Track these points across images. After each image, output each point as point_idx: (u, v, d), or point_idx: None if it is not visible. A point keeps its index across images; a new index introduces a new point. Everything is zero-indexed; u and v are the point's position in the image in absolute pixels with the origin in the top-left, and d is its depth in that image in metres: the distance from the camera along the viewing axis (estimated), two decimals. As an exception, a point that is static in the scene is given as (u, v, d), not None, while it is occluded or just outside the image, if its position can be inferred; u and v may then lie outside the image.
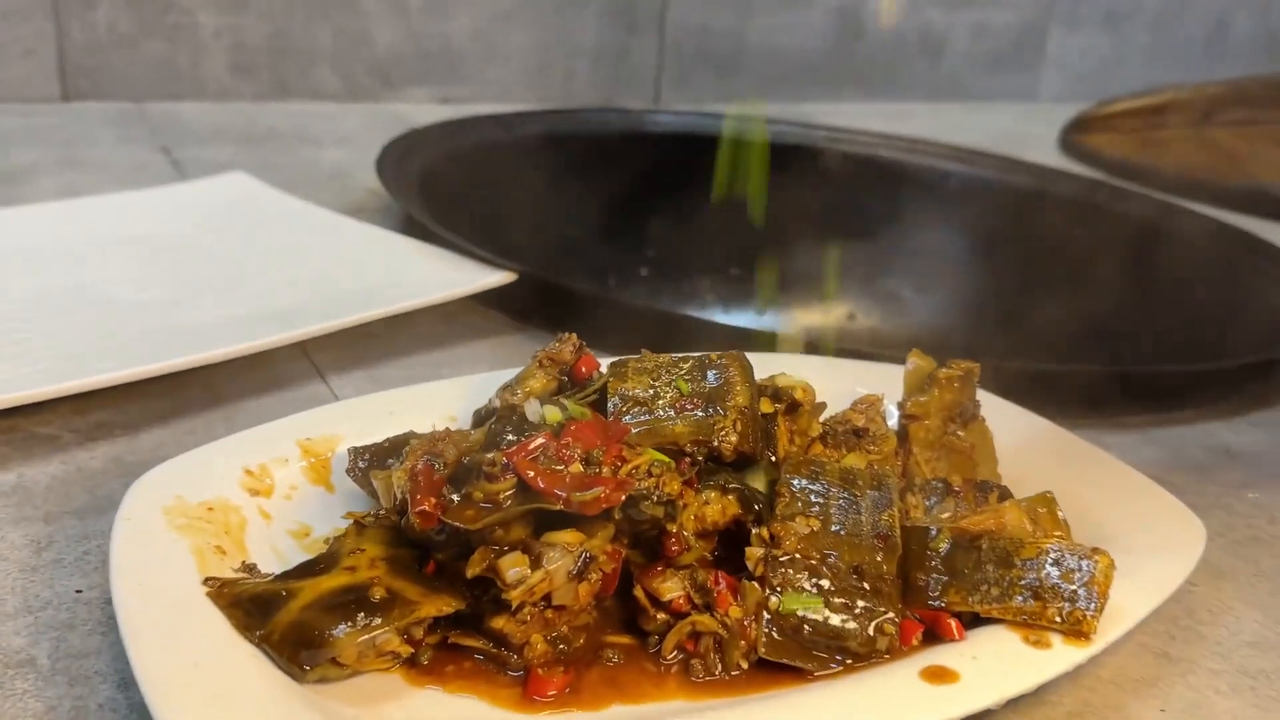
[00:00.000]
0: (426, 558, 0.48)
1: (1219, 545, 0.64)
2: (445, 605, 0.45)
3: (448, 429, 0.52)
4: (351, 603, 0.44)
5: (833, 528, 0.49)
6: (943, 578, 0.50)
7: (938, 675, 0.45)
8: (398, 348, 0.79)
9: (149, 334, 0.72)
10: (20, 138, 1.21)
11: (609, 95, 1.66)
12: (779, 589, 0.47)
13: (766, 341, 0.74)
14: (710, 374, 0.54)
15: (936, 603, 0.49)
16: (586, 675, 0.46)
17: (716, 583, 0.48)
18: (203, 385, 0.70)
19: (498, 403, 0.58)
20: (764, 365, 0.58)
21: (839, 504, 0.51)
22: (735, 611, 0.47)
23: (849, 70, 1.81)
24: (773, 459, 0.54)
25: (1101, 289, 1.12)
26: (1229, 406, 0.83)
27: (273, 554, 0.51)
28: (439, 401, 0.62)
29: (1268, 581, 0.61)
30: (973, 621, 0.49)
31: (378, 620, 0.44)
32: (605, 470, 0.47)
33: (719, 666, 0.47)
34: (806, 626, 0.47)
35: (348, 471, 0.55)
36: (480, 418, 0.59)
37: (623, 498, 0.46)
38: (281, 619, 0.44)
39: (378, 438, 0.57)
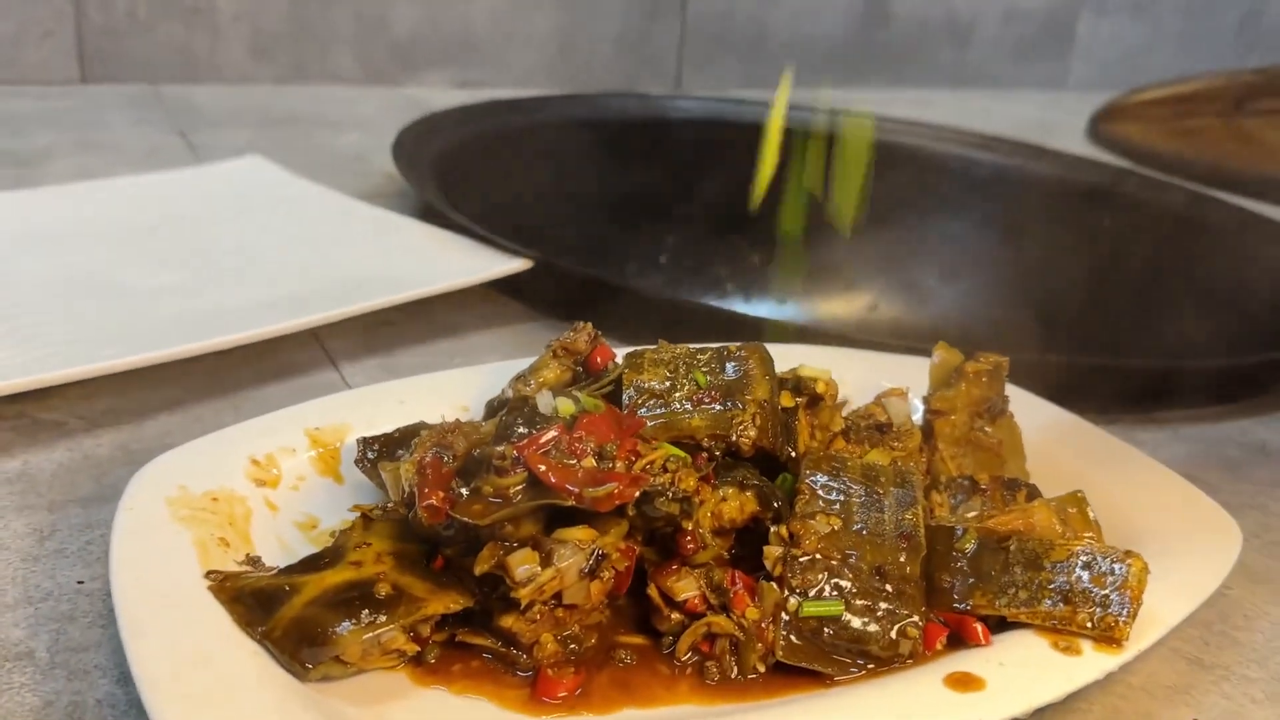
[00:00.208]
0: (435, 553, 0.46)
1: (1254, 547, 0.62)
2: (453, 602, 0.44)
3: (458, 420, 0.51)
4: (356, 599, 0.43)
5: (854, 526, 0.48)
6: (968, 580, 0.48)
7: (963, 682, 0.43)
8: (412, 335, 0.78)
9: (159, 319, 0.71)
10: (37, 120, 1.20)
11: (630, 80, 1.64)
12: (798, 590, 0.45)
13: (786, 332, 0.72)
14: (729, 366, 0.53)
15: (962, 606, 0.47)
16: (597, 677, 0.44)
17: (733, 582, 0.46)
18: (212, 372, 0.69)
19: (510, 393, 0.57)
20: (785, 357, 0.56)
21: (861, 502, 0.49)
22: (752, 613, 0.45)
23: (873, 56, 1.78)
24: (793, 454, 0.52)
25: (1130, 281, 1.10)
26: (1264, 402, 0.81)
27: (279, 546, 0.50)
28: (451, 391, 0.61)
29: (1305, 585, 0.59)
30: (999, 626, 0.47)
31: (383, 617, 0.43)
32: (619, 465, 0.45)
33: (735, 669, 0.45)
34: (826, 629, 0.45)
35: (356, 462, 0.54)
36: (493, 408, 0.58)
37: (636, 494, 0.44)
38: (284, 615, 0.43)
39: (388, 427, 0.55)
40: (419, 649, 0.44)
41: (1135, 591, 0.46)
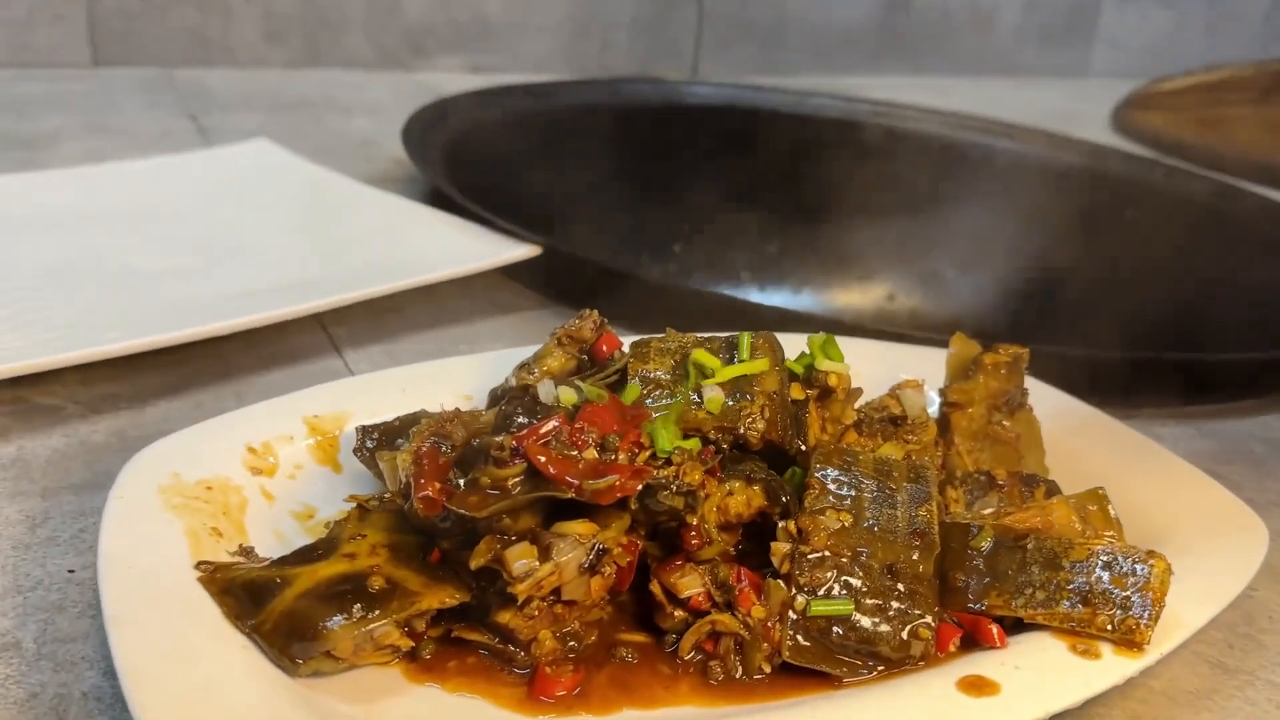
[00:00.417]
0: (432, 545, 0.45)
1: (1280, 546, 0.60)
2: (448, 597, 0.43)
3: (457, 409, 0.49)
4: (348, 592, 0.42)
5: (865, 523, 0.46)
6: (984, 579, 0.46)
7: (977, 686, 0.41)
8: (417, 322, 0.76)
9: (161, 304, 0.70)
10: (48, 103, 1.19)
11: (646, 66, 1.62)
12: (806, 589, 0.44)
13: (802, 322, 0.70)
14: (738, 356, 0.51)
15: (976, 606, 0.45)
16: (596, 676, 0.43)
17: (739, 580, 0.45)
18: (214, 357, 0.68)
19: (514, 382, 0.55)
20: (797, 347, 0.54)
21: (873, 497, 0.47)
22: (758, 611, 0.44)
23: (894, 43, 1.76)
24: (803, 448, 0.50)
25: (1155, 272, 1.07)
26: (1291, 397, 0.79)
27: (274, 537, 0.49)
28: (454, 379, 0.59)
29: (1334, 587, 0.57)
30: (1015, 627, 0.45)
31: (375, 612, 0.41)
32: (621, 457, 0.44)
33: (739, 670, 0.44)
34: (835, 629, 0.43)
35: (355, 451, 0.52)
36: (496, 397, 0.56)
37: (639, 487, 0.43)
38: (275, 608, 0.42)
39: (389, 416, 0.54)
40: (414, 644, 0.43)
41: (1158, 593, 0.44)
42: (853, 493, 0.47)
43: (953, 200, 1.25)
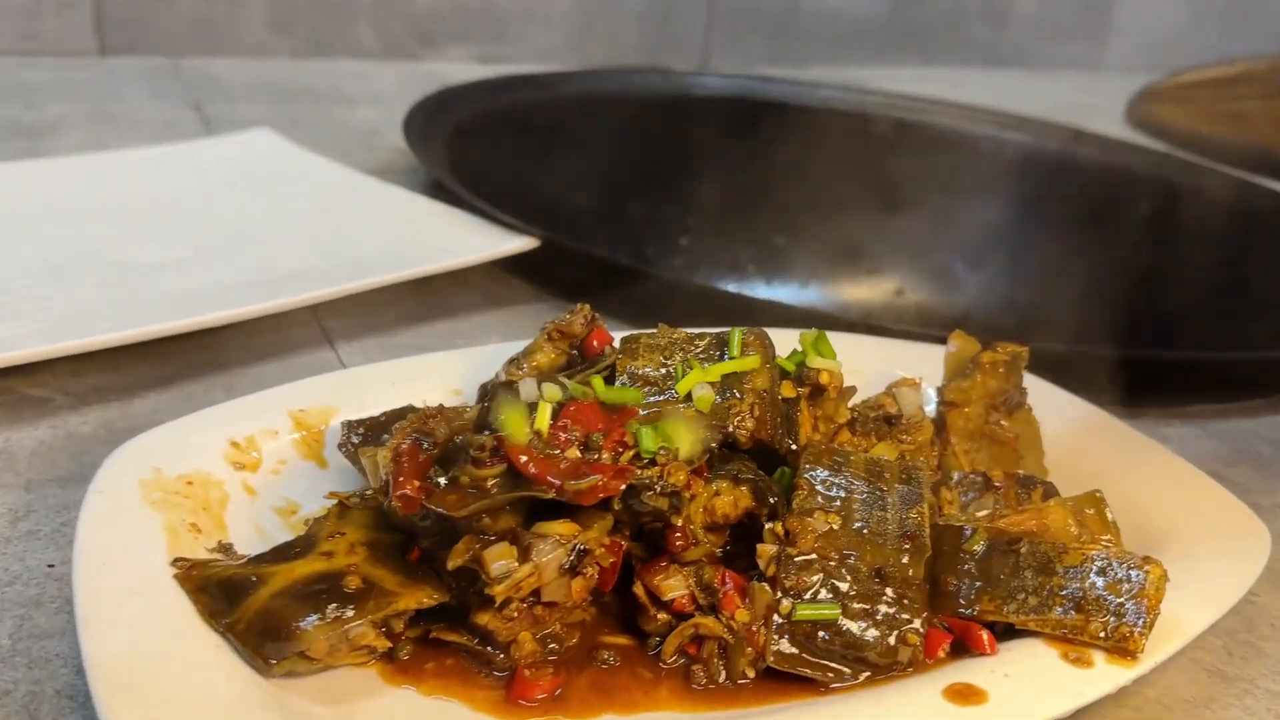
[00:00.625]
0: (412, 544, 0.44)
1: (1284, 551, 0.58)
2: (426, 597, 0.42)
3: (440, 405, 0.48)
4: (324, 592, 0.41)
5: (854, 525, 0.45)
6: (976, 583, 0.45)
7: (964, 694, 0.40)
8: (412, 314, 0.75)
9: (155, 295, 0.69)
10: (53, 91, 1.19)
11: (655, 57, 1.60)
12: (792, 592, 0.43)
13: (805, 318, 0.69)
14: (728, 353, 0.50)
15: (967, 611, 0.44)
16: (577, 679, 0.42)
17: (724, 582, 0.44)
18: (205, 349, 0.67)
19: (503, 376, 0.55)
20: (790, 343, 0.53)
21: (863, 499, 0.46)
22: (742, 615, 0.43)
23: (905, 34, 1.74)
24: (793, 447, 0.49)
25: (1169, 269, 1.06)
26: (1300, 398, 0.77)
27: (256, 533, 0.48)
28: (444, 373, 0.59)
29: (1339, 594, 0.56)
30: (1007, 634, 0.44)
31: (350, 611, 0.41)
32: (605, 456, 0.43)
33: (722, 674, 0.43)
34: (821, 633, 0.42)
35: (339, 446, 0.52)
36: (485, 392, 0.55)
37: (622, 487, 0.42)
38: (250, 606, 0.41)
39: (376, 410, 0.53)
40: (391, 645, 0.42)
41: (1153, 601, 0.43)
42: (842, 494, 0.46)
43: (964, 194, 1.23)
